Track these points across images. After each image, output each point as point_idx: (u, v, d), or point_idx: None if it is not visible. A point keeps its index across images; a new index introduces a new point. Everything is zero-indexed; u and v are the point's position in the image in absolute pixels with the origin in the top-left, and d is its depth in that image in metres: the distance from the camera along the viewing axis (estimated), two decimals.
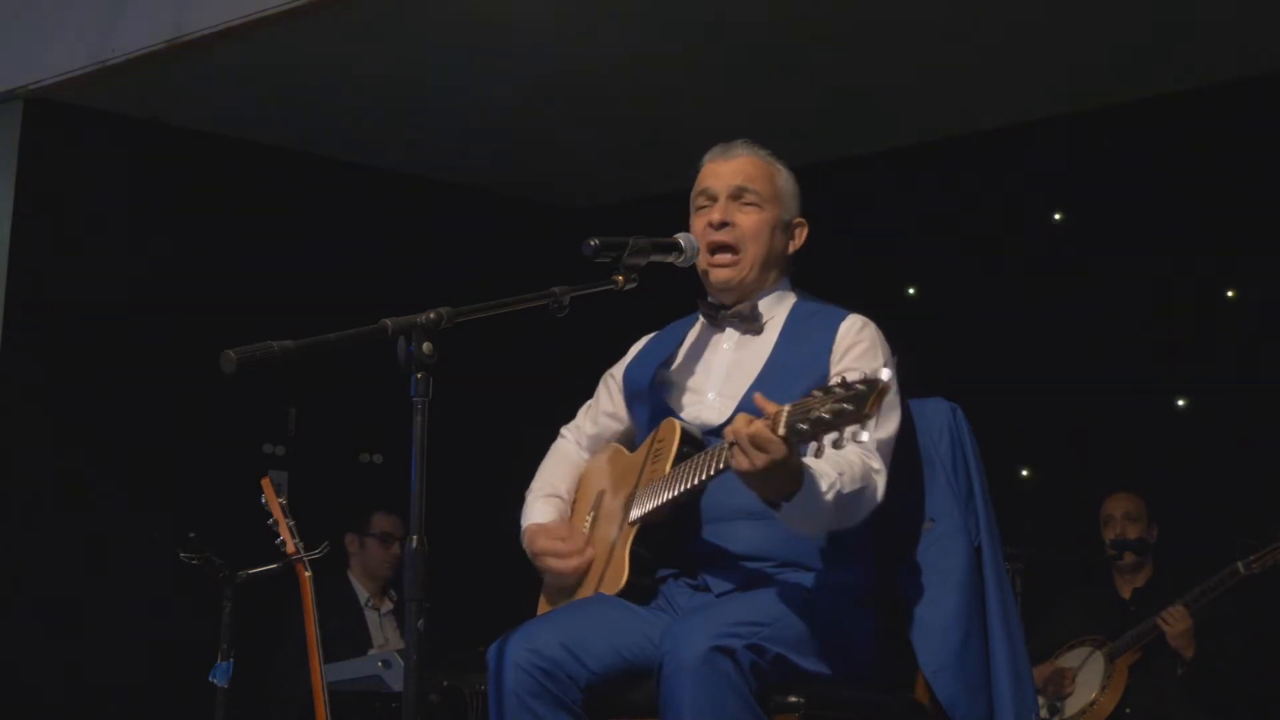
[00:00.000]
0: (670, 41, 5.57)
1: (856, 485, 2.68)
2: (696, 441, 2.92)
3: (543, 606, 3.14)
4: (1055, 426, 5.90)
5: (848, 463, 2.67)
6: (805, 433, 2.44)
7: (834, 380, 2.46)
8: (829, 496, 2.60)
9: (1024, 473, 6.03)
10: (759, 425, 2.50)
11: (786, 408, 2.48)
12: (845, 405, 2.39)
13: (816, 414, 2.42)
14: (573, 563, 3.00)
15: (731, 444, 2.56)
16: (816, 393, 2.46)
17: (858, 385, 2.40)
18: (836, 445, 2.44)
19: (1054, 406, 5.89)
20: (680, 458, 2.87)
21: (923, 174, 6.39)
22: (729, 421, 2.91)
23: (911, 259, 6.44)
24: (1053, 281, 6.00)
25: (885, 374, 2.40)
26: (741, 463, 2.54)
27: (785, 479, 2.57)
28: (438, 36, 5.55)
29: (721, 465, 2.67)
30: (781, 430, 2.47)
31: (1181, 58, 5.49)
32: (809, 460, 2.60)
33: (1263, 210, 5.56)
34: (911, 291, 6.45)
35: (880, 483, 2.76)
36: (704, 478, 2.74)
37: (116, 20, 5.66)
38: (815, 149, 6.12)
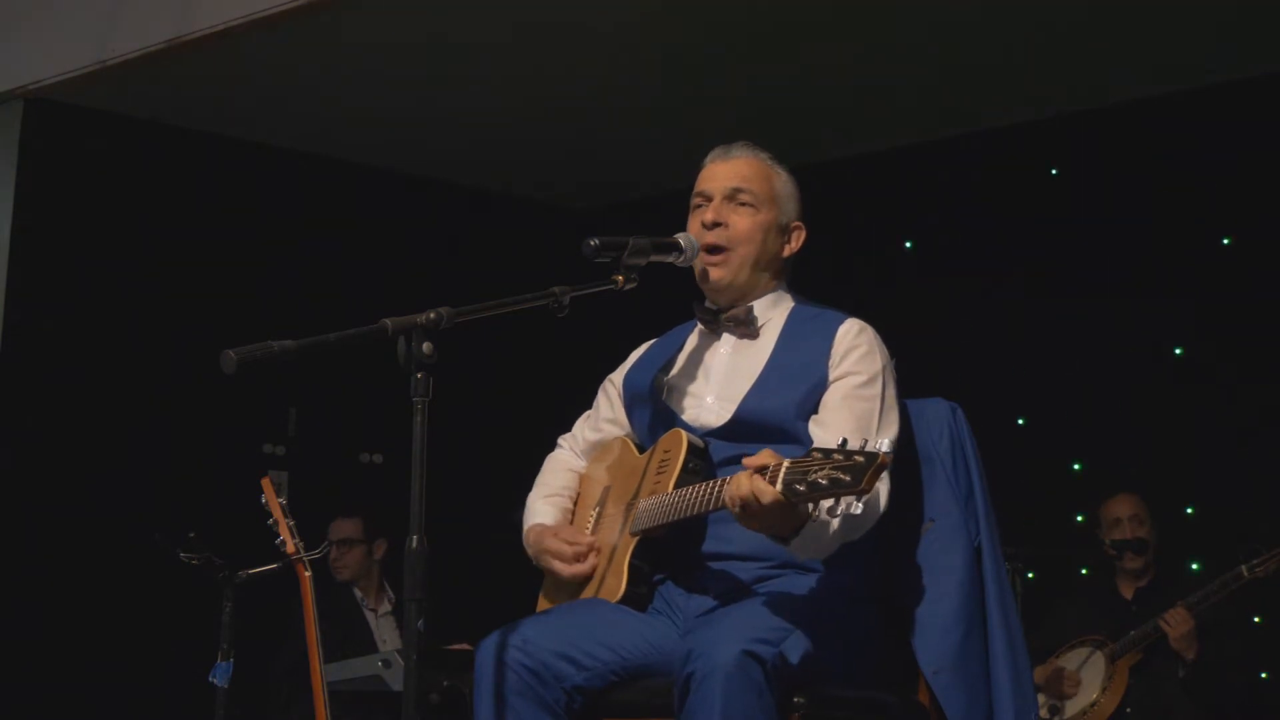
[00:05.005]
0: (671, 42, 5.57)
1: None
2: (702, 454, 2.92)
3: (542, 604, 3.14)
4: (1055, 426, 5.90)
5: None
6: (801, 494, 2.45)
7: (833, 443, 2.46)
8: (835, 524, 2.60)
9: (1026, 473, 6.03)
10: (757, 488, 2.51)
11: (785, 463, 2.49)
12: (842, 475, 2.40)
13: (814, 477, 2.43)
14: (578, 569, 3.00)
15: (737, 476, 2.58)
16: (815, 453, 2.46)
17: (856, 456, 2.40)
18: (831, 513, 2.45)
19: (1054, 406, 5.90)
20: (685, 472, 2.87)
21: (922, 174, 6.39)
22: (728, 425, 2.93)
23: (912, 259, 6.44)
24: (1053, 281, 6.00)
25: (884, 446, 2.41)
26: (745, 524, 2.59)
27: (787, 521, 2.58)
28: (438, 37, 5.55)
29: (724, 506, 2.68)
30: (778, 486, 2.47)
31: (1179, 58, 5.49)
32: None
33: (1263, 209, 5.56)
34: (911, 291, 6.45)
35: (884, 491, 2.76)
36: (707, 509, 2.74)
37: (116, 20, 5.66)
38: (815, 149, 6.12)
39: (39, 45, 5.96)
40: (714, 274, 3.02)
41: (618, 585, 2.89)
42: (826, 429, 2.81)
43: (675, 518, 2.82)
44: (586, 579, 3.00)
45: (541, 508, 3.16)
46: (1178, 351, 5.76)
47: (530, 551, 3.11)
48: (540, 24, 5.42)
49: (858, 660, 2.84)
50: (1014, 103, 5.98)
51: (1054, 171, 6.11)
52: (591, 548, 3.01)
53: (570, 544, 3.01)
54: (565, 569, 3.00)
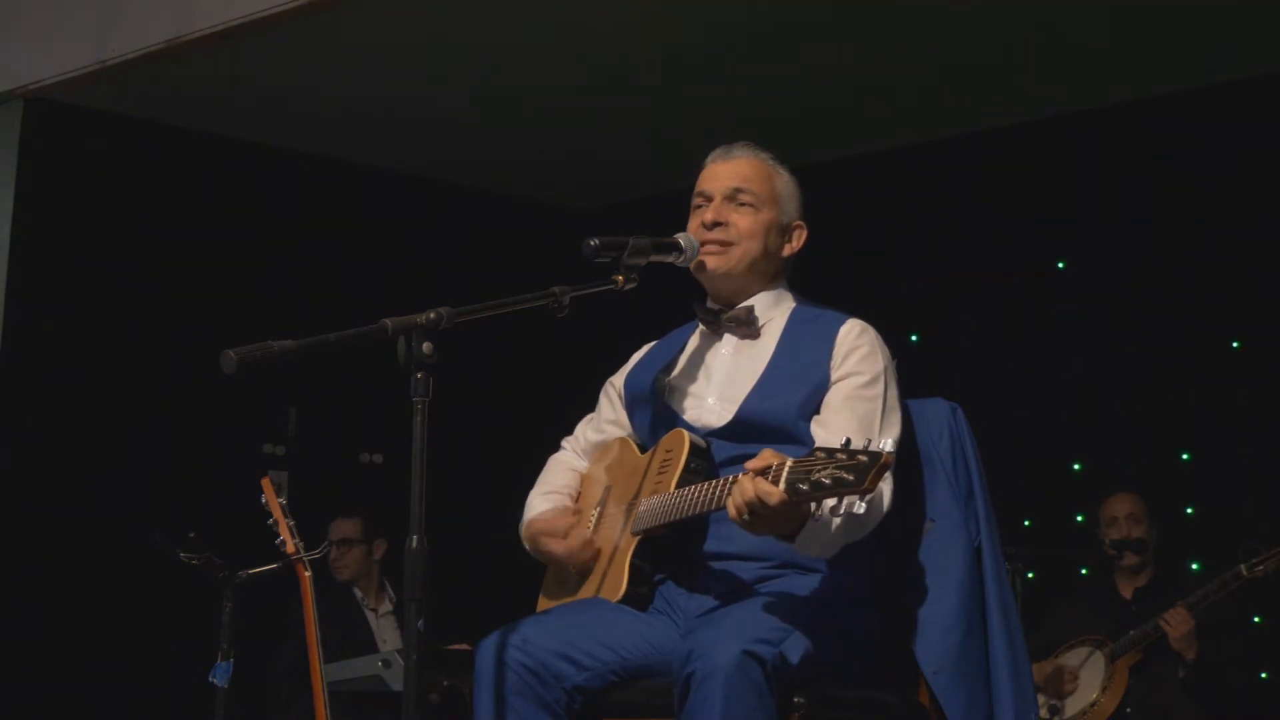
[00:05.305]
0: (671, 42, 5.57)
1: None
2: (704, 454, 2.92)
3: (542, 604, 3.14)
4: (1055, 426, 5.90)
5: None
6: (804, 493, 2.45)
7: (837, 443, 2.46)
8: (838, 523, 2.61)
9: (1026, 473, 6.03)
10: (761, 490, 2.50)
11: (789, 463, 2.49)
12: (846, 475, 2.40)
13: (817, 476, 2.43)
14: (572, 543, 3.00)
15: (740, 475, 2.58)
16: (819, 453, 2.46)
17: (860, 455, 2.40)
18: (834, 512, 2.45)
19: (1054, 406, 5.90)
20: (687, 472, 2.87)
21: (922, 174, 6.39)
22: (729, 425, 2.93)
23: (911, 260, 6.44)
24: (1053, 281, 6.00)
25: (888, 445, 2.41)
26: (749, 530, 2.59)
27: (791, 521, 2.58)
28: (438, 37, 5.55)
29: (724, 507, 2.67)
30: (781, 485, 2.47)
31: (1179, 58, 5.49)
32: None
33: (1263, 209, 5.56)
34: (911, 292, 6.44)
35: (887, 491, 2.76)
36: (709, 509, 2.74)
37: (116, 20, 5.66)
38: (815, 149, 6.12)
39: (39, 45, 5.96)
40: (711, 262, 3.02)
41: (619, 585, 2.89)
42: (829, 429, 2.81)
43: (677, 517, 2.82)
44: (589, 574, 3.01)
45: (539, 504, 3.17)
46: (1179, 350, 5.75)
47: (527, 544, 3.11)
48: (540, 24, 5.42)
49: (858, 660, 2.84)
50: (1014, 103, 5.98)
51: (1055, 172, 6.09)
52: (582, 519, 3.01)
53: (565, 521, 3.03)
54: (559, 546, 3.00)
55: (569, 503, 3.18)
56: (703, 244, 3.02)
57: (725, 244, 3.01)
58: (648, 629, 2.85)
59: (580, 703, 2.77)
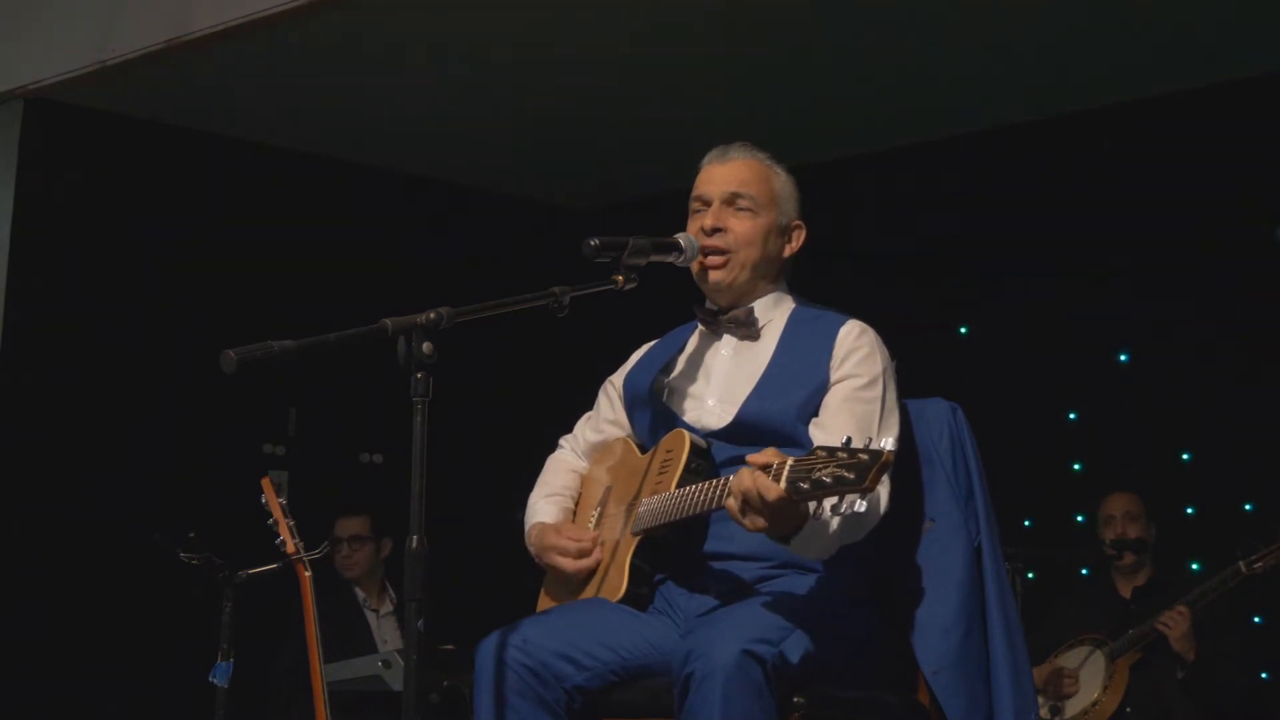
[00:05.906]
0: (671, 41, 5.57)
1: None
2: (705, 454, 2.92)
3: (543, 602, 3.14)
4: (1057, 427, 5.90)
5: None
6: (805, 492, 2.45)
7: (838, 443, 2.46)
8: (836, 523, 2.60)
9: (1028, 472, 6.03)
10: (761, 484, 2.50)
11: (790, 461, 2.49)
12: (847, 473, 2.40)
13: (818, 475, 2.43)
14: (582, 564, 3.00)
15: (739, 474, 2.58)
16: (820, 452, 2.46)
17: (860, 454, 2.40)
18: (835, 510, 2.45)
19: (1056, 407, 5.90)
20: (688, 472, 2.87)
21: (922, 174, 6.39)
22: (729, 427, 2.93)
23: (911, 260, 6.43)
24: (1053, 280, 6.00)
25: (889, 444, 2.41)
26: (746, 526, 2.58)
27: (789, 521, 2.58)
28: (438, 37, 5.55)
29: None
30: (782, 484, 2.47)
31: (1179, 58, 5.49)
32: None
33: (1263, 208, 5.56)
34: (911, 292, 6.44)
35: (885, 493, 2.76)
36: (710, 508, 2.74)
37: (116, 20, 5.66)
38: (816, 149, 6.11)
39: (39, 45, 5.96)
40: (714, 275, 3.02)
41: (619, 585, 2.89)
42: (827, 431, 2.81)
43: (677, 517, 2.82)
44: (590, 575, 3.01)
45: (543, 507, 3.17)
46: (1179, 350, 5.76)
47: (533, 550, 3.11)
48: (541, 24, 5.42)
49: (858, 660, 2.84)
50: (1014, 103, 5.98)
51: (1052, 170, 6.08)
52: (595, 542, 3.01)
53: (574, 540, 3.02)
54: (570, 564, 3.00)
55: (570, 505, 3.19)
56: (702, 248, 3.02)
57: (725, 252, 3.01)
58: (647, 629, 2.85)
59: (580, 703, 2.77)
